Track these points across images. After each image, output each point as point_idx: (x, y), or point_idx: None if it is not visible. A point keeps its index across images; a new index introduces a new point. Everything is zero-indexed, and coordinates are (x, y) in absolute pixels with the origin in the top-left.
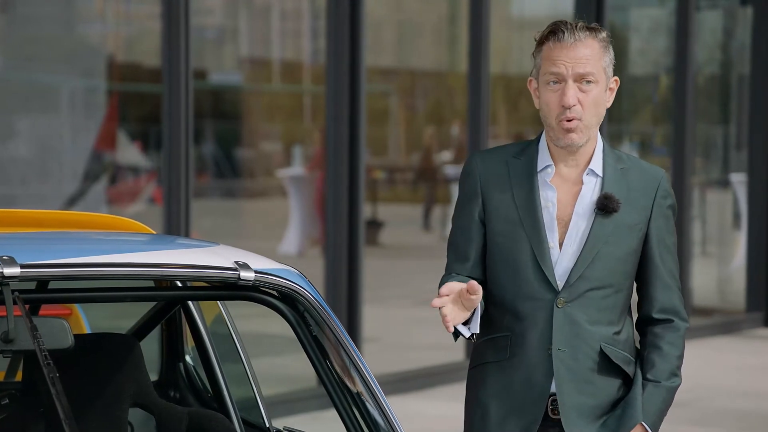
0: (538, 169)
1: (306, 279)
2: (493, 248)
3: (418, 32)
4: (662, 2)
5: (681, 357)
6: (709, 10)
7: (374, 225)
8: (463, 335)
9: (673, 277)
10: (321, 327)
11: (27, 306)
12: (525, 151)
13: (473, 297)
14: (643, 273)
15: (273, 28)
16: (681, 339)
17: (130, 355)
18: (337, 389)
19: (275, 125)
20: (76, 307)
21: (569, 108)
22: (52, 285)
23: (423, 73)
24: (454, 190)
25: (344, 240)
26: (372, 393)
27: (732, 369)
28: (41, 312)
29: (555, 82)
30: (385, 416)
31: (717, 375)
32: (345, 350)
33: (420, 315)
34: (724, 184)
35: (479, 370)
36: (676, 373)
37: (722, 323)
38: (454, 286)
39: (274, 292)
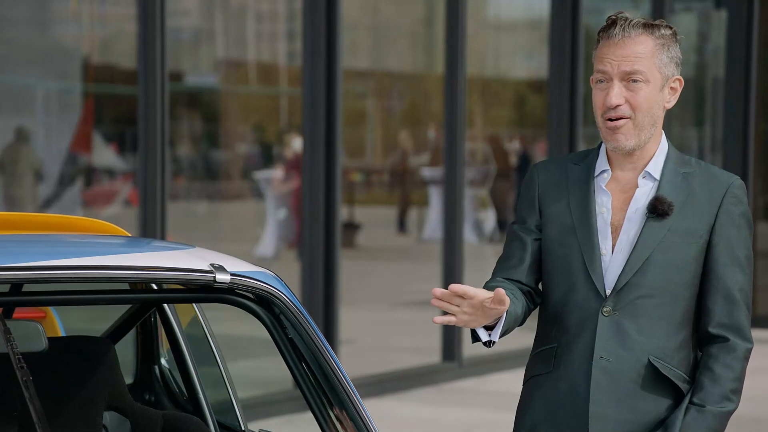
0: (595, 174)
1: (282, 281)
2: (546, 257)
3: (394, 34)
4: (637, 5)
5: (737, 380)
6: (683, 13)
7: (351, 227)
8: (479, 338)
9: (740, 292)
10: (297, 329)
11: (0, 309)
12: (586, 158)
13: (500, 308)
14: (702, 284)
15: (249, 30)
16: (738, 361)
17: (104, 358)
18: (313, 392)
19: (251, 127)
20: (51, 310)
21: (613, 108)
22: (26, 288)
23: (399, 76)
24: (431, 193)
25: (321, 242)
26: (348, 395)
27: None
28: (15, 315)
29: (602, 81)
30: (361, 418)
31: None
32: (321, 353)
33: (396, 317)
34: None
35: (529, 385)
36: (729, 398)
37: None
38: (470, 290)
39: (250, 295)
